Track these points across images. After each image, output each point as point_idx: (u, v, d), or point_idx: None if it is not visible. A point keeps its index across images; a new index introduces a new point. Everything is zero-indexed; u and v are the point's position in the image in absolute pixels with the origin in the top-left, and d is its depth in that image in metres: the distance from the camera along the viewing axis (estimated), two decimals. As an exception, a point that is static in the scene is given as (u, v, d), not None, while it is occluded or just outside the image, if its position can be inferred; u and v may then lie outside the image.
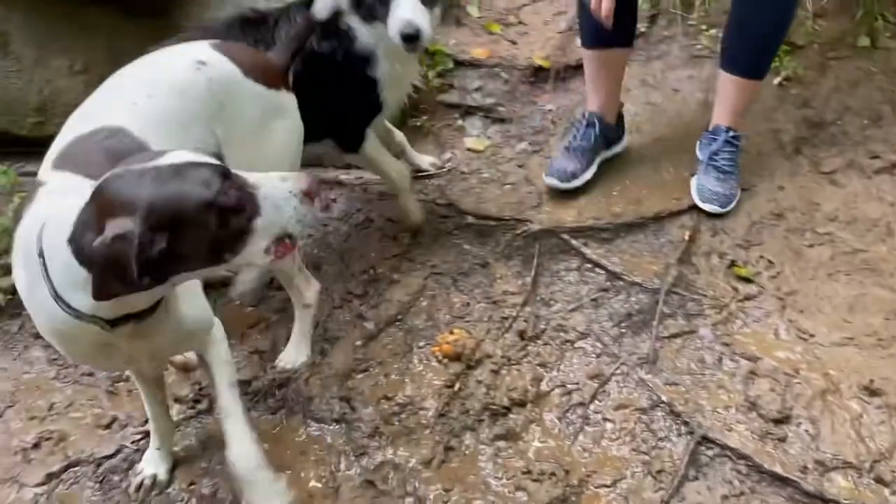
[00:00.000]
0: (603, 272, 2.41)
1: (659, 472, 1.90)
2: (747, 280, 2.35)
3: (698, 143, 2.69)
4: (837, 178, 2.64)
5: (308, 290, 2.16)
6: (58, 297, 1.32)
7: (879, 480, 1.85)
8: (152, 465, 1.93)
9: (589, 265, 2.43)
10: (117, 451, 2.02)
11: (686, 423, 1.98)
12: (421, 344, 2.22)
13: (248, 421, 1.69)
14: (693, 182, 2.60)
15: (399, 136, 2.73)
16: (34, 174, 1.59)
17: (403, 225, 2.57)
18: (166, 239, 1.23)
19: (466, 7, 3.37)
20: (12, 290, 2.13)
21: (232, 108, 1.76)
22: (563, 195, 2.65)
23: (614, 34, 2.41)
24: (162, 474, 1.93)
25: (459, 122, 3.04)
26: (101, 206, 1.25)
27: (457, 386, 2.10)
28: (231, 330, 2.25)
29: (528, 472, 1.92)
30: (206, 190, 1.26)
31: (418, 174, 2.79)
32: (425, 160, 2.82)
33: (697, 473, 1.90)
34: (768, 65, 2.58)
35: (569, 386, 2.11)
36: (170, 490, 1.92)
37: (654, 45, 3.19)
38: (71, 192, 1.35)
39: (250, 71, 1.81)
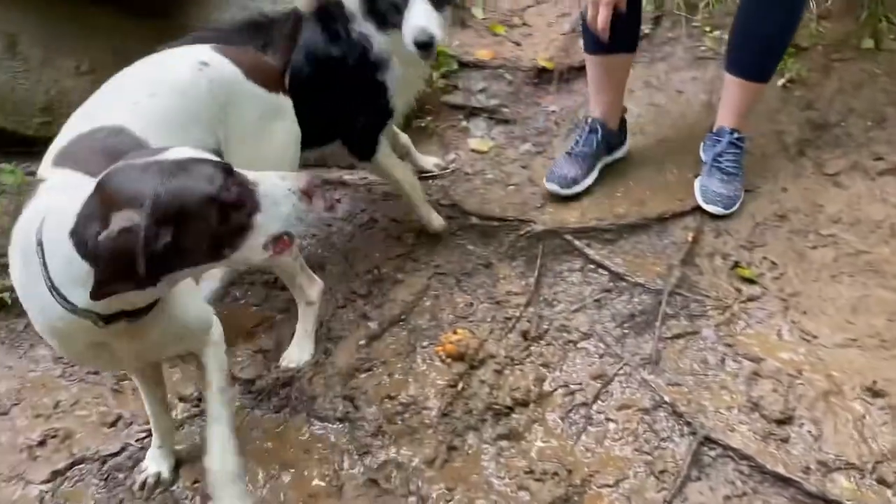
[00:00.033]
0: (606, 273, 2.41)
1: (661, 472, 1.90)
2: (750, 281, 2.36)
3: (702, 144, 2.70)
4: (841, 180, 2.65)
5: (311, 289, 2.17)
6: (54, 289, 1.32)
7: (882, 481, 1.85)
8: (155, 463, 1.94)
9: (592, 266, 2.44)
10: (122, 449, 2.02)
11: (689, 424, 1.98)
12: (424, 344, 2.23)
13: (232, 430, 1.70)
14: (697, 183, 2.61)
15: (403, 137, 2.74)
16: (40, 174, 1.59)
17: (408, 225, 2.58)
18: (171, 233, 1.24)
19: (471, 8, 3.38)
20: (18, 289, 2.15)
21: (233, 109, 1.78)
22: (566, 196, 2.66)
23: (617, 40, 2.41)
24: (165, 472, 1.94)
25: (463, 123, 3.05)
26: (104, 199, 1.26)
27: (460, 386, 2.11)
28: (235, 329, 2.29)
29: (531, 471, 1.92)
30: (209, 185, 1.28)
31: (422, 175, 2.80)
32: (429, 161, 2.84)
33: (700, 474, 1.90)
34: (774, 68, 2.58)
35: (572, 386, 2.12)
36: (174, 488, 1.93)
37: (658, 47, 3.20)
38: (71, 189, 1.36)
39: (251, 73, 1.82)
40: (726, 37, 2.75)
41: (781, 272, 2.38)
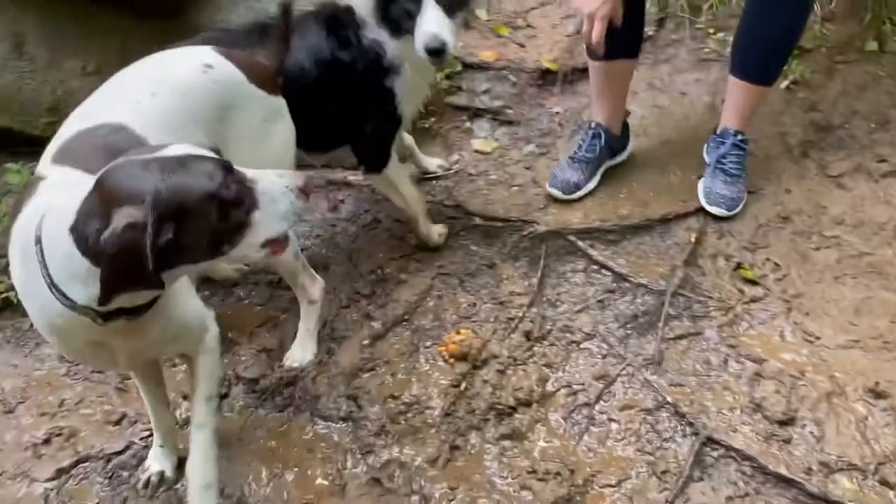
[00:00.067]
0: (609, 274, 2.42)
1: (664, 472, 1.91)
2: (753, 282, 2.36)
3: (706, 146, 2.70)
4: (844, 182, 2.65)
5: (313, 287, 2.18)
6: (53, 286, 1.32)
7: (884, 482, 1.85)
8: (158, 462, 1.95)
9: (595, 267, 2.44)
10: (126, 448, 2.03)
11: (691, 424, 1.99)
12: (427, 344, 2.24)
13: (215, 439, 1.72)
14: (700, 185, 2.61)
15: (408, 138, 2.75)
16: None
17: (411, 226, 2.58)
18: (172, 229, 1.24)
19: (475, 10, 3.39)
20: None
21: (236, 112, 1.80)
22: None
23: (619, 46, 2.41)
24: (168, 471, 1.94)
25: (467, 124, 3.06)
26: (105, 196, 1.25)
27: (463, 385, 2.11)
28: (239, 328, 2.30)
29: (534, 471, 1.93)
30: (210, 182, 1.29)
31: (426, 176, 2.81)
32: (433, 162, 2.84)
33: (702, 474, 1.91)
34: (778, 71, 2.58)
35: (574, 386, 2.12)
36: (178, 486, 1.93)
37: (662, 49, 3.20)
38: (70, 186, 1.36)
39: (252, 76, 1.84)
40: (730, 39, 2.76)
41: (784, 273, 2.38)
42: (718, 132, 2.63)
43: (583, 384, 2.12)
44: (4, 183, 2.56)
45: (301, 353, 2.19)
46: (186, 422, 2.06)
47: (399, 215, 2.65)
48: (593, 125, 2.71)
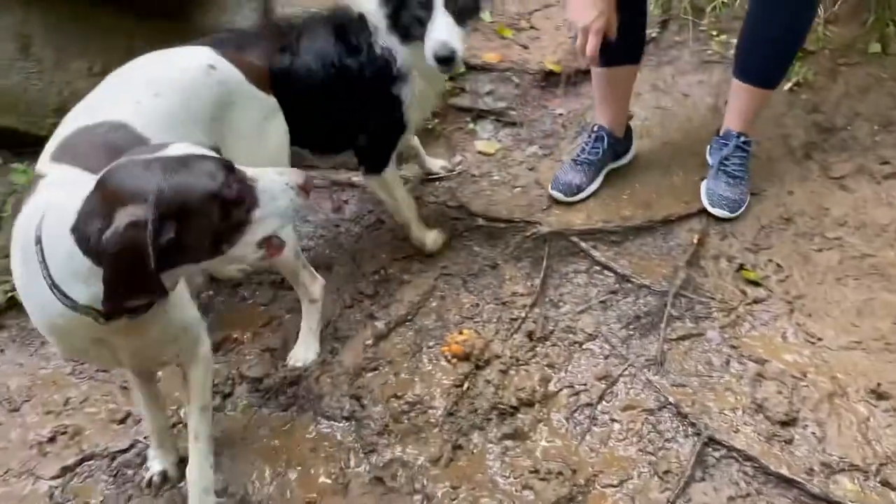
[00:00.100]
0: (611, 274, 2.42)
1: (665, 472, 1.91)
2: (755, 283, 2.36)
3: (709, 147, 2.70)
4: (847, 184, 2.65)
5: (313, 286, 2.20)
6: (54, 287, 1.32)
7: (886, 483, 1.85)
8: (158, 462, 1.95)
9: (598, 267, 2.45)
10: (131, 446, 2.05)
11: (693, 425, 2.00)
12: (430, 344, 2.24)
13: (210, 446, 1.77)
14: (703, 186, 2.62)
15: (414, 139, 2.75)
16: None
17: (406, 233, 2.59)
18: (174, 229, 1.25)
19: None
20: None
21: (235, 111, 1.82)
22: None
23: (622, 52, 2.40)
24: (171, 469, 1.95)
25: (471, 125, 3.07)
26: (107, 195, 1.26)
27: (465, 385, 2.12)
28: (243, 328, 2.31)
29: (536, 471, 1.94)
30: (212, 181, 1.30)
31: (430, 177, 2.82)
32: (436, 163, 2.85)
33: (704, 474, 1.92)
34: (782, 75, 2.58)
35: (577, 386, 2.13)
36: (181, 484, 1.94)
37: (665, 51, 3.21)
38: (70, 184, 1.36)
39: (249, 75, 1.86)
40: (733, 41, 2.76)
41: (787, 275, 2.38)
42: (721, 134, 2.63)
43: (585, 384, 2.13)
44: (10, 183, 2.57)
45: (304, 352, 2.21)
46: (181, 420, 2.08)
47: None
48: (596, 128, 2.71)
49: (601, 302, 2.35)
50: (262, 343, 2.29)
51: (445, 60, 2.04)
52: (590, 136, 2.72)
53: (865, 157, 2.72)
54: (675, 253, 2.48)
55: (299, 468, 1.97)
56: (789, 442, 1.95)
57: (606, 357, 2.20)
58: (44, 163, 1.52)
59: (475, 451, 2.00)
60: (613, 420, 2.05)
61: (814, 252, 2.45)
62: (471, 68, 3.18)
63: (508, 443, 2.01)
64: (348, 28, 2.19)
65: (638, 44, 2.60)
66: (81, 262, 1.28)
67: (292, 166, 1.94)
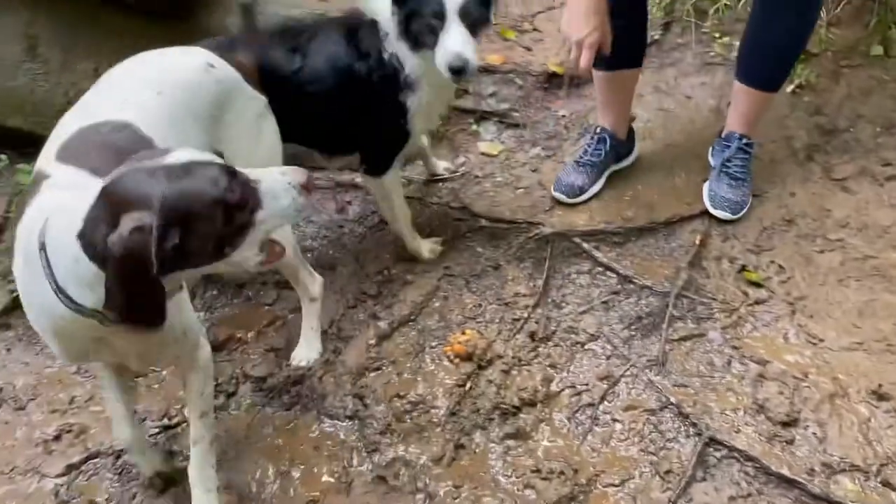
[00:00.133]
0: (614, 275, 2.43)
1: (667, 472, 1.92)
2: (757, 285, 2.37)
3: (711, 149, 2.71)
4: (849, 185, 2.66)
5: (313, 284, 2.21)
6: (59, 291, 1.32)
7: (887, 484, 1.86)
8: (147, 466, 1.93)
9: (600, 268, 2.46)
10: (136, 444, 2.06)
11: (694, 425, 2.00)
12: (433, 344, 2.25)
13: (212, 450, 1.78)
14: (705, 188, 2.62)
15: (423, 140, 2.76)
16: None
17: (417, 227, 2.60)
18: (179, 234, 1.26)
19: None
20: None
21: (233, 110, 1.83)
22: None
23: (623, 56, 2.41)
24: (164, 468, 1.95)
25: (474, 126, 3.08)
26: (113, 202, 1.27)
27: (468, 385, 2.13)
28: (247, 327, 2.32)
29: (538, 470, 1.94)
30: (216, 188, 1.31)
31: (433, 178, 2.83)
32: (439, 164, 2.86)
33: (705, 474, 1.92)
34: (784, 78, 2.59)
35: (578, 387, 2.14)
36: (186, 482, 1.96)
37: (668, 53, 3.22)
38: (74, 188, 1.36)
39: (245, 75, 1.88)
40: (736, 43, 2.78)
41: (788, 276, 2.39)
42: (723, 136, 2.64)
43: (587, 384, 2.14)
44: (16, 183, 2.58)
45: (307, 351, 2.22)
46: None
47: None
48: (598, 130, 2.72)
49: (603, 302, 2.36)
50: (265, 342, 2.31)
51: (459, 71, 2.03)
52: (592, 138, 2.73)
53: (867, 159, 2.72)
54: (677, 254, 2.49)
55: (302, 467, 1.98)
56: (790, 442, 1.96)
57: (608, 357, 2.21)
58: (48, 162, 1.51)
59: (477, 450, 2.01)
60: (615, 420, 2.06)
61: (815, 253, 2.46)
62: (474, 70, 3.19)
63: (510, 442, 2.02)
64: (360, 32, 2.19)
65: (639, 47, 2.61)
66: (87, 267, 1.28)
67: (297, 166, 1.96)
